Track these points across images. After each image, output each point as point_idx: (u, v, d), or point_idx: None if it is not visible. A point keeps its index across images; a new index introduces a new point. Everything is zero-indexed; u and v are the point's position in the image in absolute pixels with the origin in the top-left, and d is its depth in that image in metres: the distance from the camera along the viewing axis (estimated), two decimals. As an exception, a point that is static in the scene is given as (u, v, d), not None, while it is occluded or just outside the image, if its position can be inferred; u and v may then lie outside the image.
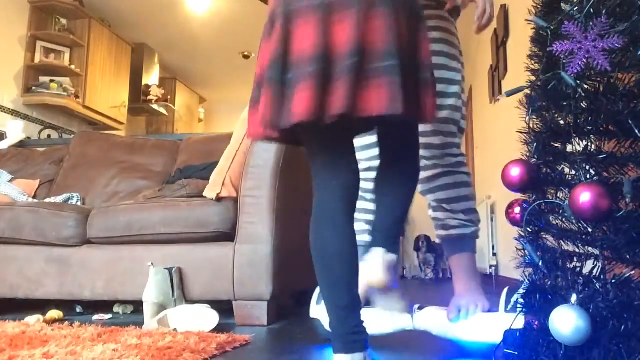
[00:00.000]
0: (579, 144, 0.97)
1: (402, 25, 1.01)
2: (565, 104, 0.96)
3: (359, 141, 1.51)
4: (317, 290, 1.53)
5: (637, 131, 0.87)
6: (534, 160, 1.04)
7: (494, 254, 3.95)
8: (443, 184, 1.48)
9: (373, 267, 1.15)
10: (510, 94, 1.11)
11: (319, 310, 1.50)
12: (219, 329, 1.67)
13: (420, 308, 1.41)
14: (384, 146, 1.25)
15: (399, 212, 1.21)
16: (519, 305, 1.02)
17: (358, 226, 1.34)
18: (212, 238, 1.97)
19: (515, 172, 1.02)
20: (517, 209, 1.08)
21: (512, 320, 1.00)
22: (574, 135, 0.96)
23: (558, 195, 1.00)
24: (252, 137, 1.08)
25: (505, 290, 1.36)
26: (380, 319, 1.39)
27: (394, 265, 1.19)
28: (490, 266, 3.93)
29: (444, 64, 1.48)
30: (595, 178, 0.94)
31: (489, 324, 1.29)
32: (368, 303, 1.37)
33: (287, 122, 0.96)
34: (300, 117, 0.94)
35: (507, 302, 1.31)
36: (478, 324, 1.31)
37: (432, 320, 1.38)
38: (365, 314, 1.10)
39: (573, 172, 0.97)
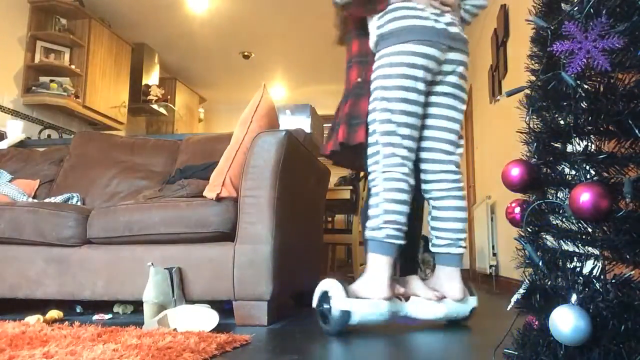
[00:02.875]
0: (579, 144, 0.97)
1: None
2: (565, 104, 0.96)
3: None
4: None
5: (637, 131, 0.87)
6: (534, 160, 1.04)
7: (494, 254, 3.95)
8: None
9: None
10: (510, 94, 1.11)
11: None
12: (219, 329, 1.67)
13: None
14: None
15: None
16: (517, 305, 1.02)
17: None
18: (212, 238, 1.97)
19: (515, 172, 1.02)
20: (517, 209, 1.08)
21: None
22: (574, 135, 0.96)
23: (558, 195, 1.00)
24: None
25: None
26: (427, 307, 1.91)
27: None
28: (490, 266, 3.93)
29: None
30: (595, 178, 0.94)
31: (430, 309, 1.89)
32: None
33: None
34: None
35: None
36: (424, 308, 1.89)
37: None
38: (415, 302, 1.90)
39: (573, 172, 0.97)
